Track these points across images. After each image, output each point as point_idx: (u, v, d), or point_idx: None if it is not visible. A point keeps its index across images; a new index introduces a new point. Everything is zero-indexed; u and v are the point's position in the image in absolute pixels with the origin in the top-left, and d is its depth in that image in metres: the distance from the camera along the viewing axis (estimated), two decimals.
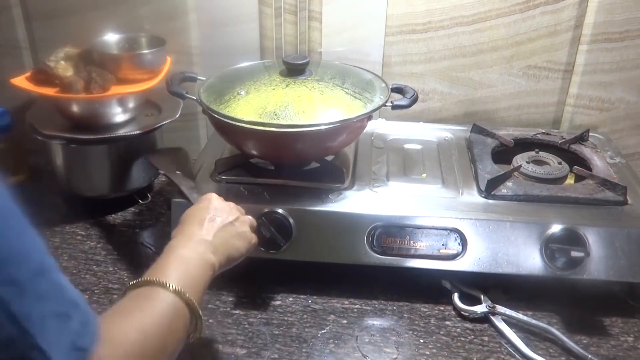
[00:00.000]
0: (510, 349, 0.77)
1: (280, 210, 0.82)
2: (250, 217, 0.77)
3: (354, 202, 0.85)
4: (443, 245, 0.82)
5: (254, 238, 0.75)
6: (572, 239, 0.79)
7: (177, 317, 0.57)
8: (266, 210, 0.82)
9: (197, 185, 0.88)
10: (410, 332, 0.79)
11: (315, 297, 0.85)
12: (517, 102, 1.14)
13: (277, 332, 0.79)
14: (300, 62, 0.91)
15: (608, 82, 1.10)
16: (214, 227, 0.70)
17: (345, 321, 0.81)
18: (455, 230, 0.81)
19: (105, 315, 0.51)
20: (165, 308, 0.56)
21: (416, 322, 0.81)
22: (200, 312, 0.59)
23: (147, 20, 1.11)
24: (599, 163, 0.94)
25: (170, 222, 0.85)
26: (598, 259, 0.80)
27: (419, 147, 1.02)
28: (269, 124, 0.83)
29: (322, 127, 0.86)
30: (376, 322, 0.81)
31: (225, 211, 0.73)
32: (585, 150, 0.98)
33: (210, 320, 0.80)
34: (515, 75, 1.12)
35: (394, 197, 0.87)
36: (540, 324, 0.79)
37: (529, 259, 0.81)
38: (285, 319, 0.81)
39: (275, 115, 0.84)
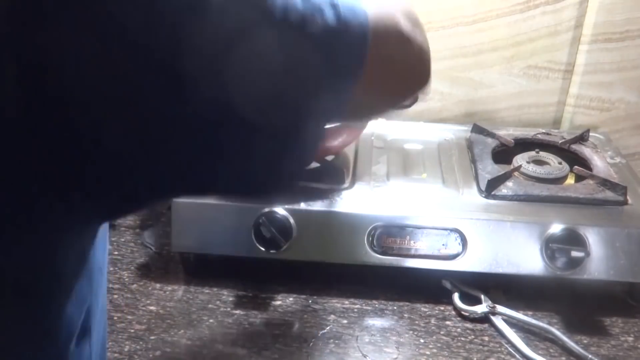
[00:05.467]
0: (510, 349, 0.77)
1: (280, 210, 0.82)
2: None
3: (354, 202, 0.85)
4: (443, 245, 0.82)
5: None
6: (573, 239, 0.79)
7: None
8: (266, 210, 0.82)
9: None
10: (411, 332, 0.79)
11: (315, 297, 0.85)
12: (518, 102, 1.14)
13: (277, 332, 0.79)
14: None
15: (608, 82, 1.10)
16: None
17: (345, 321, 0.81)
18: (456, 230, 0.81)
19: None
20: None
21: (416, 322, 0.81)
22: None
23: None
24: (599, 163, 0.94)
25: (170, 222, 0.85)
26: (598, 259, 0.80)
27: (419, 147, 1.02)
28: None
29: None
30: (376, 322, 0.81)
31: None
32: (586, 150, 0.98)
33: (211, 320, 0.80)
34: (516, 75, 1.12)
35: (394, 197, 0.87)
36: (541, 324, 0.79)
37: (529, 259, 0.81)
38: (286, 319, 0.81)
39: None
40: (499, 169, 0.92)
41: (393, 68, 0.46)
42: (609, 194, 0.86)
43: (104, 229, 0.48)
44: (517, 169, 0.92)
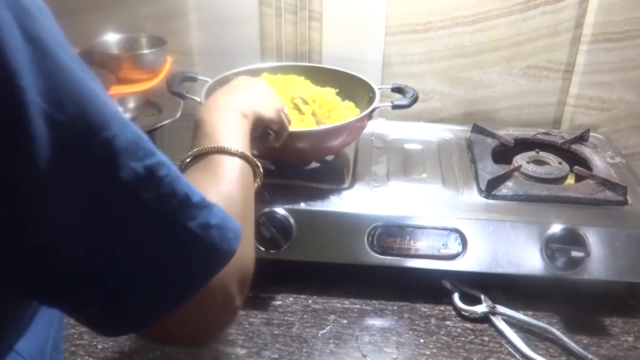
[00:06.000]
0: (510, 349, 0.77)
1: (280, 210, 0.82)
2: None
3: (354, 202, 0.85)
4: (443, 245, 0.82)
5: (282, 105, 0.75)
6: (572, 239, 0.79)
7: (245, 175, 0.58)
8: (266, 210, 0.82)
9: None
10: (411, 332, 0.79)
11: (315, 297, 0.85)
12: (518, 102, 1.14)
13: (277, 332, 0.79)
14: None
15: (608, 82, 1.10)
16: (239, 89, 0.70)
17: (345, 321, 0.81)
18: (456, 230, 0.81)
19: None
20: (235, 171, 0.56)
21: (416, 322, 0.81)
22: (257, 161, 0.60)
23: (147, 20, 1.12)
24: (599, 163, 0.94)
25: None
26: (598, 259, 0.80)
27: (419, 147, 1.02)
28: None
29: (322, 128, 0.86)
30: (376, 322, 0.81)
31: (252, 81, 0.73)
32: (586, 150, 0.98)
33: None
34: (516, 75, 1.12)
35: (394, 197, 0.87)
36: (541, 324, 0.79)
37: (529, 259, 0.81)
38: (286, 319, 0.81)
39: None
40: (499, 169, 0.92)
41: (207, 315, 0.49)
42: (609, 194, 0.86)
43: None
44: (517, 169, 0.92)
